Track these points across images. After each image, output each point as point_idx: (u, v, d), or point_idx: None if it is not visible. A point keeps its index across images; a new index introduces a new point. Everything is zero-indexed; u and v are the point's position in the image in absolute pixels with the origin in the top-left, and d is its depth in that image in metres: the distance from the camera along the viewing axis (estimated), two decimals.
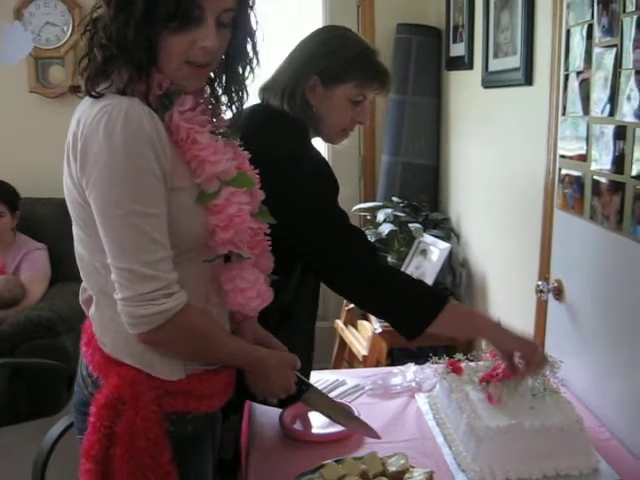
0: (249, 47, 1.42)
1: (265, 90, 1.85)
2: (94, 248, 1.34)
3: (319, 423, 1.83)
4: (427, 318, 1.65)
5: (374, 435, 1.69)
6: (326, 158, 1.88)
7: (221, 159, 1.37)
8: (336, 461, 1.55)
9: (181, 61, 1.31)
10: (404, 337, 1.71)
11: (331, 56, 1.78)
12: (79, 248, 1.41)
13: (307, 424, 1.84)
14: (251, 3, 1.39)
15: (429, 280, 3.13)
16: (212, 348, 1.41)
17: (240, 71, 1.44)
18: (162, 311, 1.28)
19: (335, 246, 1.71)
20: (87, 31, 1.34)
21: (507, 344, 1.67)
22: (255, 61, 1.44)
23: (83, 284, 1.47)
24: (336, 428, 1.77)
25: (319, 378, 2.09)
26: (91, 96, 1.29)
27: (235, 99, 1.47)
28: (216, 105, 1.47)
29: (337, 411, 1.71)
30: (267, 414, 1.86)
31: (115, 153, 1.23)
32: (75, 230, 1.41)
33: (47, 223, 3.60)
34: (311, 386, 1.62)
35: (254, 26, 1.41)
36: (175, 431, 1.38)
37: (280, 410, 1.83)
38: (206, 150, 1.35)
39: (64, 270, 3.47)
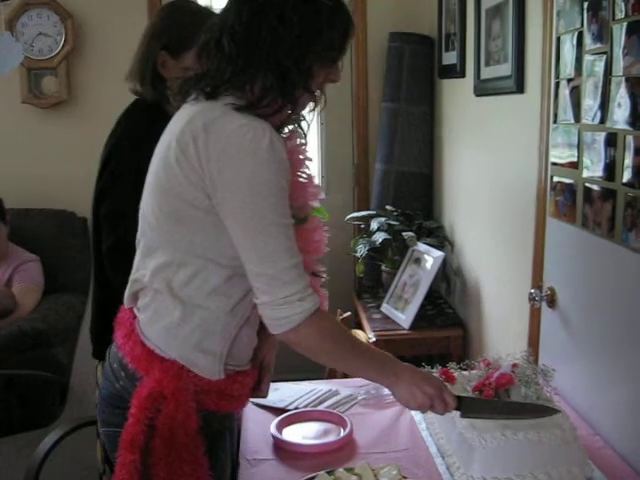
0: None
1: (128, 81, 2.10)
2: (181, 246, 1.42)
3: (311, 434, 1.82)
4: None
5: (553, 412, 1.62)
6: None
7: (318, 189, 1.55)
8: (328, 472, 1.54)
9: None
10: None
11: (173, 28, 1.95)
12: (153, 239, 1.47)
13: (300, 434, 1.82)
14: None
15: (423, 288, 3.13)
16: (347, 349, 1.49)
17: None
18: (298, 312, 1.37)
19: None
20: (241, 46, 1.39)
21: None
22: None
23: (136, 276, 1.51)
24: (328, 439, 1.76)
25: (313, 388, 2.08)
26: (240, 110, 1.36)
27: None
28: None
29: (504, 409, 1.62)
30: (259, 424, 1.85)
31: (260, 168, 1.33)
32: (152, 223, 1.46)
33: (39, 234, 3.58)
34: (462, 398, 1.56)
35: None
36: (203, 427, 1.44)
37: (271, 420, 1.82)
38: (310, 178, 1.53)
39: (57, 281, 3.46)
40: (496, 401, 1.65)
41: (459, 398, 1.53)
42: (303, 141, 1.55)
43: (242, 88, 1.40)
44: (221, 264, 1.43)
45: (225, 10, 1.45)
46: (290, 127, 1.54)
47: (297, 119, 1.54)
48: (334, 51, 1.45)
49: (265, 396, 1.74)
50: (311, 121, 1.58)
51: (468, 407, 1.56)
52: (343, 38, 1.46)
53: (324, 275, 1.55)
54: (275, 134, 1.36)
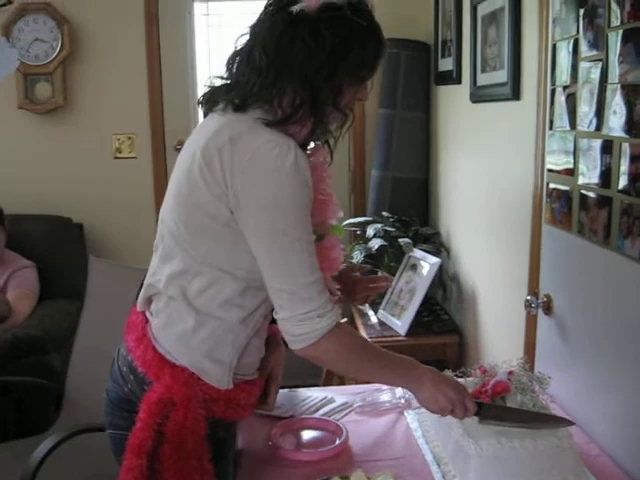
0: None
1: None
2: (198, 255, 1.43)
3: (306, 442, 1.82)
4: None
5: (568, 423, 1.65)
6: None
7: (337, 207, 1.55)
8: None
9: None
10: None
11: None
12: (171, 246, 1.47)
13: (295, 442, 1.81)
14: None
15: (419, 295, 3.13)
16: (367, 361, 1.50)
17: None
18: (317, 329, 1.39)
19: None
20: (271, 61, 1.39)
21: None
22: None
23: (151, 281, 1.52)
24: (323, 447, 1.75)
25: (308, 395, 2.07)
26: (268, 125, 1.38)
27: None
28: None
29: (517, 417, 1.62)
30: (255, 432, 1.84)
31: (284, 185, 1.33)
32: (172, 229, 1.46)
33: (35, 240, 3.58)
34: (482, 404, 1.59)
35: None
36: (209, 435, 1.45)
37: (267, 428, 1.81)
38: (330, 196, 1.52)
39: (52, 288, 3.45)
40: (515, 409, 1.65)
41: (479, 404, 1.56)
42: (328, 159, 1.55)
43: (270, 102, 1.40)
44: (236, 276, 1.44)
45: (258, 22, 1.45)
46: (314, 144, 1.54)
47: (324, 136, 1.54)
48: (364, 70, 1.46)
49: (271, 409, 1.74)
50: (338, 138, 1.57)
51: (487, 413, 1.58)
52: (374, 57, 1.46)
53: (338, 293, 1.54)
54: (300, 151, 1.36)
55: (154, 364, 1.47)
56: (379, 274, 3.42)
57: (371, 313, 3.34)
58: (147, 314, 1.55)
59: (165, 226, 1.50)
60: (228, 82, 1.47)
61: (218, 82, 1.50)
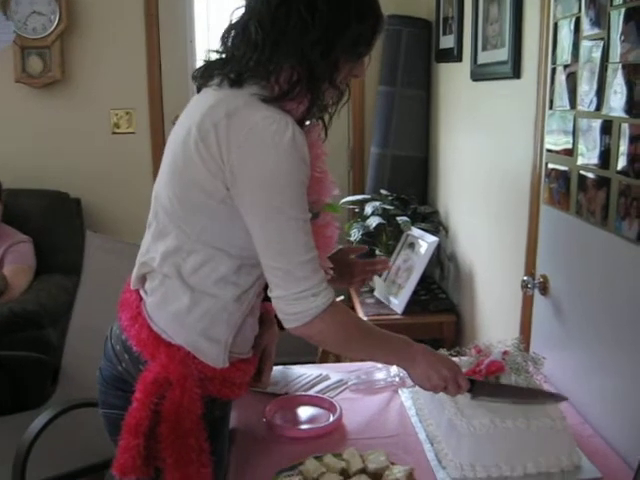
0: None
1: None
2: (193, 232, 1.41)
3: (300, 419, 1.82)
4: None
5: (560, 399, 1.67)
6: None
7: (333, 185, 1.53)
8: (316, 457, 1.54)
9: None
10: None
11: None
12: (166, 223, 1.45)
13: (290, 419, 1.82)
14: None
15: (417, 273, 3.12)
16: (361, 340, 1.50)
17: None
18: (312, 308, 1.37)
19: None
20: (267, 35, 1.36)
21: None
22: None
23: (144, 259, 1.51)
24: (317, 424, 1.76)
25: (303, 372, 2.08)
26: (265, 101, 1.36)
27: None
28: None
29: (510, 393, 1.63)
30: (250, 409, 1.85)
31: (281, 162, 1.31)
32: (166, 206, 1.45)
33: (32, 214, 3.58)
34: (474, 382, 1.59)
35: None
36: (205, 414, 1.44)
37: (261, 405, 1.82)
38: (325, 174, 1.50)
39: (49, 262, 3.45)
40: (507, 386, 1.66)
41: (472, 381, 1.56)
42: (322, 135, 1.53)
43: (267, 78, 1.38)
44: (231, 254, 1.43)
45: None
46: (310, 121, 1.52)
47: (319, 113, 1.52)
48: (361, 45, 1.43)
49: (266, 387, 1.74)
50: (333, 115, 1.55)
51: (479, 390, 1.59)
52: (371, 33, 1.44)
53: (331, 272, 1.52)
54: (297, 128, 1.34)
55: (149, 343, 1.46)
56: (377, 254, 3.42)
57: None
58: (141, 292, 1.53)
59: (159, 203, 1.48)
60: (223, 56, 1.45)
61: (214, 57, 1.48)
